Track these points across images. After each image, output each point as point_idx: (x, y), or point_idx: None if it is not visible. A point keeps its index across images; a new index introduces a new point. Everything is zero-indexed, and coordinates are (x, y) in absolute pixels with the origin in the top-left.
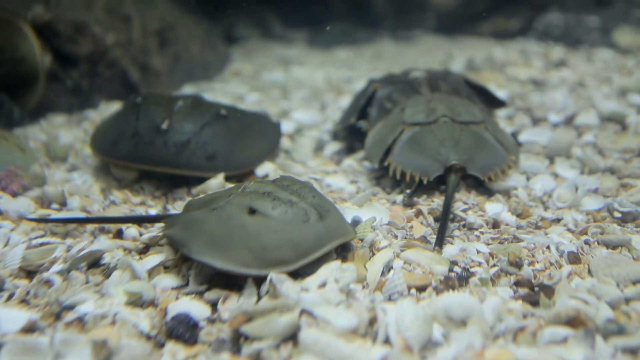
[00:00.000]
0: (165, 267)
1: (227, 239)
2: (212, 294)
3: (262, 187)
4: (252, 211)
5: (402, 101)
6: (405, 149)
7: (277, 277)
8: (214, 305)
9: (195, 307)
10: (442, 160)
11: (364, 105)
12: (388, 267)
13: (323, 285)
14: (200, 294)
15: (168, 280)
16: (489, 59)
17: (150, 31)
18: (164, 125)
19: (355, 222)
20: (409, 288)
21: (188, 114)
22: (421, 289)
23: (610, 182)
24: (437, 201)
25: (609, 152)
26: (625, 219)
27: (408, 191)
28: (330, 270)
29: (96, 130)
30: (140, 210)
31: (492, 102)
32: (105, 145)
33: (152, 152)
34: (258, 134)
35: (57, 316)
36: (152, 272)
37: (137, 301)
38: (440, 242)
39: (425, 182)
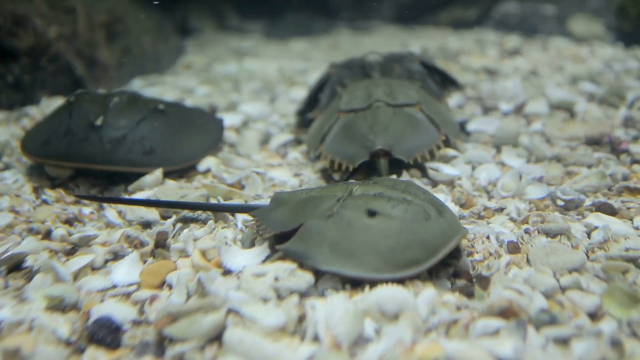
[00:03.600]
0: (93, 268)
1: (352, 245)
2: (140, 295)
3: (370, 189)
4: (372, 213)
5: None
6: (337, 137)
7: (206, 275)
8: (142, 307)
9: (119, 310)
10: (369, 146)
11: (317, 91)
12: None
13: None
14: (127, 295)
15: (95, 282)
16: (443, 48)
17: (97, 23)
18: (98, 122)
19: None
20: (344, 283)
21: (124, 109)
22: (356, 283)
23: (556, 170)
24: None
25: (556, 140)
26: (567, 207)
27: (336, 177)
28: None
29: (27, 132)
30: (74, 210)
31: (448, 84)
32: (37, 145)
33: (86, 150)
34: (199, 129)
35: None
36: (78, 274)
37: (58, 305)
38: None
39: (351, 169)
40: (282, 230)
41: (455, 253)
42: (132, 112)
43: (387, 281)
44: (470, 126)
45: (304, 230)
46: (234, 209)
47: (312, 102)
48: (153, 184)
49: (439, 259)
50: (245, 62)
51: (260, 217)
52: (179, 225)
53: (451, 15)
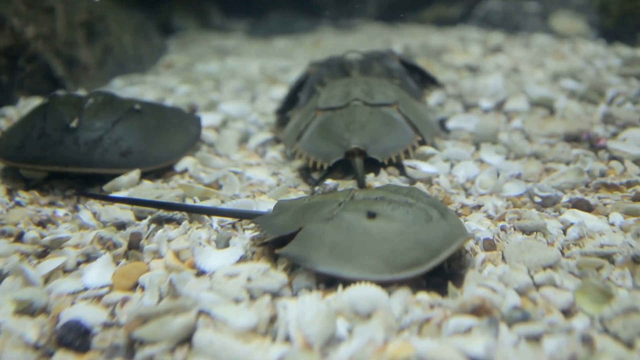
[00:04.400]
0: (64, 270)
1: (352, 246)
2: (112, 297)
3: (372, 194)
4: (372, 215)
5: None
6: (314, 135)
7: (178, 276)
8: (113, 309)
9: (89, 313)
10: (344, 145)
11: (296, 90)
12: None
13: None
14: (99, 298)
15: (65, 285)
16: (425, 46)
17: (76, 23)
18: (74, 124)
19: None
20: (318, 282)
21: (99, 110)
22: (330, 282)
23: (534, 167)
24: None
25: (536, 137)
26: (545, 204)
27: (315, 177)
28: (248, 269)
29: (1, 136)
30: (48, 212)
31: (427, 82)
32: (11, 150)
33: (62, 152)
34: (177, 129)
35: None
36: (49, 277)
37: (26, 309)
38: None
39: (325, 167)
40: (282, 234)
41: None
42: (107, 113)
43: (386, 283)
44: (450, 124)
45: (303, 234)
46: (240, 215)
47: (291, 101)
48: (129, 185)
49: (441, 260)
50: (228, 61)
51: (262, 222)
52: (153, 226)
53: (435, 13)
